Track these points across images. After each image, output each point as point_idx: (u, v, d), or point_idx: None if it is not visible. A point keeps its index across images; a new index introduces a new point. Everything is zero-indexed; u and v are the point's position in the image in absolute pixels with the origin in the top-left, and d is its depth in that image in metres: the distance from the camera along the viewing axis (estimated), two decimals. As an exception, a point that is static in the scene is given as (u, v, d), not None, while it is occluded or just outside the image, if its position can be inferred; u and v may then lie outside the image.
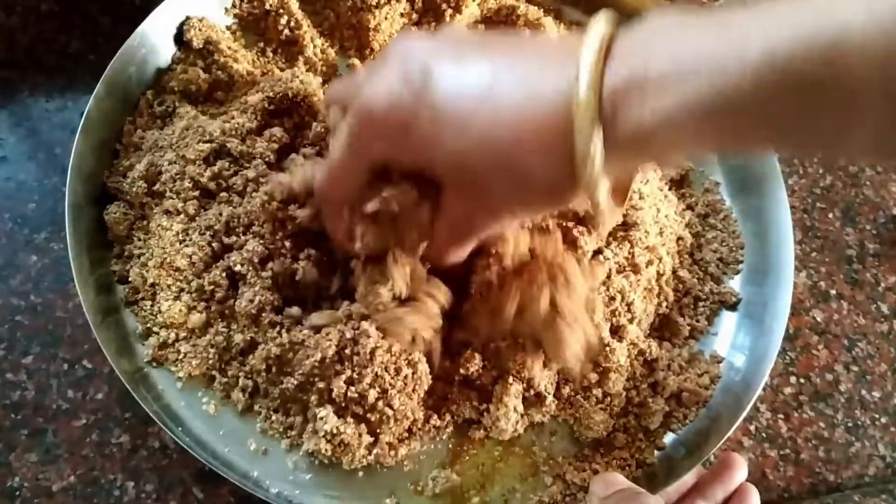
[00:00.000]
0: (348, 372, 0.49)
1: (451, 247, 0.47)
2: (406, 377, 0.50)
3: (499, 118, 0.38)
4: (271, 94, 0.59)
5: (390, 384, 0.49)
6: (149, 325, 0.55)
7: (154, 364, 0.54)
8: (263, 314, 0.53)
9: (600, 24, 0.37)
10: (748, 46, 0.31)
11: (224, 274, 0.54)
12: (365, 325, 0.49)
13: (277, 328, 0.53)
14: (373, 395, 0.49)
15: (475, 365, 0.53)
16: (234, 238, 0.54)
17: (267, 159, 0.57)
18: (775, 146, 0.40)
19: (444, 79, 0.40)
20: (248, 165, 0.56)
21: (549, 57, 0.38)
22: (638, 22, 0.37)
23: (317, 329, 0.51)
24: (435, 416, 0.53)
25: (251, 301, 0.53)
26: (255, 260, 0.53)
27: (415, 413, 0.52)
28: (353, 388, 0.49)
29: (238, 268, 0.53)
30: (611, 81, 0.35)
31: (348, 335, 0.49)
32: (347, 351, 0.49)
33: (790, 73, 0.30)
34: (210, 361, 0.53)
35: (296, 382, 0.50)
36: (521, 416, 0.54)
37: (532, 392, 0.53)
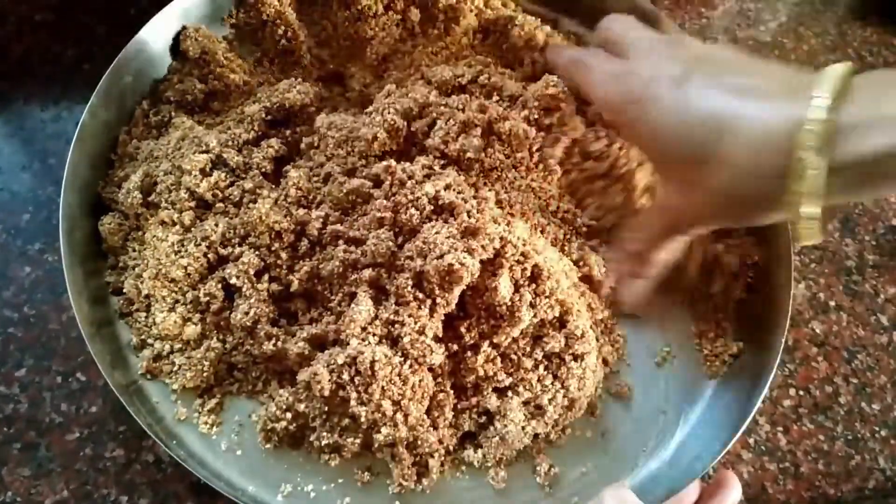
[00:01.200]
0: (354, 394, 0.48)
1: (662, 236, 0.53)
2: (414, 385, 0.50)
3: (735, 125, 0.44)
4: (268, 105, 0.59)
5: (399, 394, 0.49)
6: (143, 336, 0.54)
7: (148, 376, 0.54)
8: (259, 326, 0.52)
9: (840, 65, 0.42)
10: None
11: (219, 285, 0.54)
12: (355, 343, 0.49)
13: (273, 340, 0.52)
14: (388, 406, 0.49)
15: (480, 368, 0.52)
16: (230, 249, 0.54)
17: (263, 170, 0.57)
18: None
19: (696, 83, 0.46)
20: (244, 176, 0.56)
21: (785, 88, 0.44)
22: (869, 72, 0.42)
23: (313, 343, 0.51)
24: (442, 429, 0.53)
25: (246, 314, 0.52)
26: (251, 272, 0.53)
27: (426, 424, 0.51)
28: (365, 408, 0.49)
29: (234, 280, 0.53)
30: (845, 114, 0.40)
31: (340, 361, 0.48)
32: (346, 376, 0.48)
33: None
34: (205, 374, 0.53)
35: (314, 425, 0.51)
36: (524, 428, 0.53)
37: (533, 405, 0.53)
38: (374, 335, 0.50)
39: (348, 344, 0.49)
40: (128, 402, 0.50)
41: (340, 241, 0.53)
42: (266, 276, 0.54)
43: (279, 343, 0.52)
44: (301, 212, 0.54)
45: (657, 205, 0.57)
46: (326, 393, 0.49)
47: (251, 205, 0.54)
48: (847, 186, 0.42)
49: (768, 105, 0.43)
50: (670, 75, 0.47)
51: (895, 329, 0.69)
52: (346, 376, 0.48)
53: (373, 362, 0.48)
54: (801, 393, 0.65)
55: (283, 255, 0.54)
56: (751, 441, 0.63)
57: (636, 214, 0.59)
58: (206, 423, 0.53)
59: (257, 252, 0.53)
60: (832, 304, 0.70)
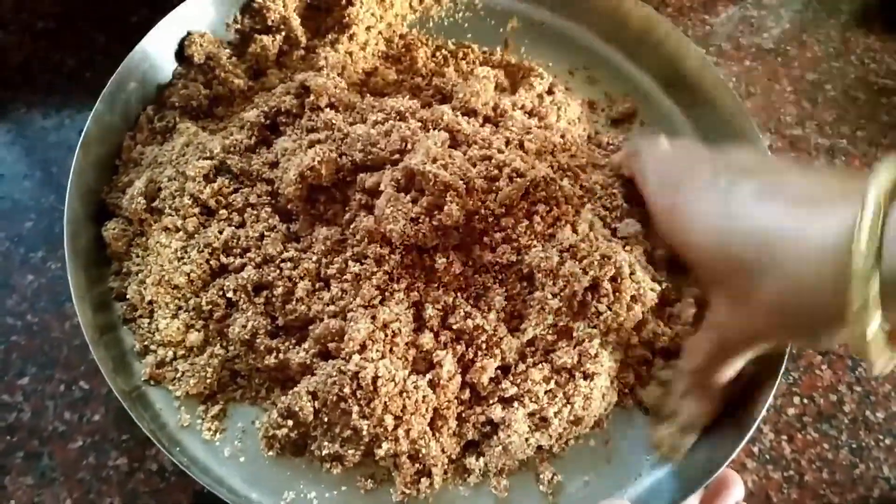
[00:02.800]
0: (356, 407, 0.48)
1: (719, 357, 0.50)
2: (417, 401, 0.49)
3: (785, 235, 0.42)
4: (266, 110, 0.59)
5: (401, 409, 0.49)
6: (146, 342, 0.54)
7: (152, 382, 0.53)
8: (258, 340, 0.52)
9: (886, 170, 0.39)
10: None
11: (221, 293, 0.53)
12: (357, 359, 0.49)
13: (274, 353, 0.52)
14: (389, 421, 0.49)
15: (487, 374, 0.52)
16: (231, 259, 0.54)
17: (264, 175, 0.57)
18: None
19: (744, 193, 0.45)
20: (247, 182, 0.56)
21: (834, 195, 0.41)
22: None
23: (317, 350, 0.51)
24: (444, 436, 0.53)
25: (244, 326, 0.52)
26: (249, 287, 0.53)
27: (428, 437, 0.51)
28: (367, 422, 0.49)
29: (230, 294, 0.53)
30: (893, 229, 0.37)
31: (350, 369, 0.49)
32: (347, 390, 0.48)
33: None
34: (208, 380, 0.53)
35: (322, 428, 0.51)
36: (527, 440, 0.53)
37: (538, 417, 0.53)
38: (377, 350, 0.50)
39: (350, 357, 0.49)
40: (130, 408, 0.49)
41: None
42: (264, 292, 0.54)
43: (280, 355, 0.52)
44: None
45: (707, 324, 0.52)
46: (310, 419, 0.50)
47: (255, 223, 0.54)
48: None
49: (818, 213, 0.41)
50: (713, 181, 0.47)
51: (899, 337, 0.69)
52: (347, 390, 0.48)
53: (375, 378, 0.48)
54: (806, 401, 0.65)
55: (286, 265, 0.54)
56: (755, 450, 0.62)
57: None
58: (209, 429, 0.52)
59: (256, 268, 0.53)
60: (836, 311, 0.69)
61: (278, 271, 0.53)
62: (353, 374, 0.48)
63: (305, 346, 0.52)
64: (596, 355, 0.53)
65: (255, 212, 0.56)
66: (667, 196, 0.50)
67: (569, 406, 0.53)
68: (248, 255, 0.54)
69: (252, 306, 0.53)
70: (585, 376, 0.53)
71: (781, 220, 0.42)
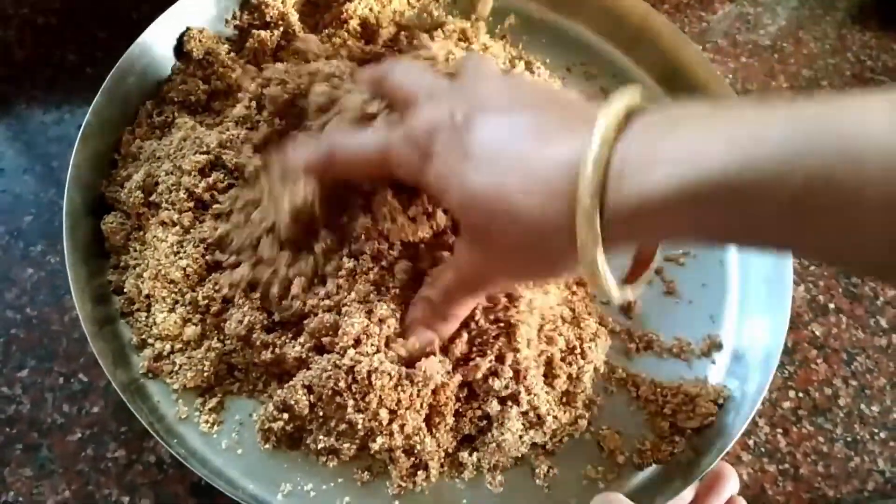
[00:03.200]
0: (351, 401, 0.49)
1: (456, 293, 0.49)
2: (412, 395, 0.50)
3: (516, 175, 0.39)
4: (247, 104, 0.59)
5: (396, 404, 0.49)
6: (144, 336, 0.54)
7: (150, 375, 0.54)
8: (254, 335, 0.52)
9: (625, 95, 0.38)
10: (768, 134, 0.31)
11: (217, 288, 0.54)
12: (352, 353, 0.49)
13: (270, 348, 0.52)
14: (384, 415, 0.49)
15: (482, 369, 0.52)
16: (226, 256, 0.54)
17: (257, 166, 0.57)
18: (772, 248, 0.39)
19: (480, 126, 0.42)
20: (242, 178, 0.56)
21: (576, 120, 0.39)
22: (666, 105, 0.38)
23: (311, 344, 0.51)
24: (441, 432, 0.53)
25: (240, 322, 0.52)
26: (243, 286, 0.53)
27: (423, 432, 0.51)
28: (362, 416, 0.49)
29: (224, 291, 0.53)
30: (620, 154, 0.35)
31: (345, 364, 0.49)
32: (342, 384, 0.49)
33: (805, 161, 0.30)
34: (205, 374, 0.53)
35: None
36: (521, 437, 0.53)
37: (533, 414, 0.53)
38: (372, 344, 0.50)
39: (345, 351, 0.49)
40: (129, 400, 0.50)
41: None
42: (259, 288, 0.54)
43: (276, 350, 0.52)
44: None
45: (453, 259, 0.50)
46: (306, 412, 0.50)
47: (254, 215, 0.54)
48: (632, 233, 0.38)
49: (548, 145, 0.39)
50: (451, 122, 0.43)
51: (894, 331, 0.69)
52: (342, 384, 0.48)
53: (370, 372, 0.48)
54: (801, 395, 0.65)
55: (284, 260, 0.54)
56: (750, 443, 0.63)
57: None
58: (206, 421, 0.53)
59: (251, 266, 0.54)
60: (831, 306, 0.70)
61: (273, 271, 0.53)
62: (348, 369, 0.49)
63: (301, 339, 0.52)
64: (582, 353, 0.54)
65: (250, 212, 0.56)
66: (423, 171, 0.45)
67: (564, 407, 0.54)
68: (243, 255, 0.54)
69: (248, 301, 0.53)
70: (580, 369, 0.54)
71: (516, 154, 0.40)
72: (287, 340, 0.52)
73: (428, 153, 0.44)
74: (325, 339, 0.51)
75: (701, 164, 0.33)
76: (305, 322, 0.52)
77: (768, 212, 0.32)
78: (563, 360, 0.55)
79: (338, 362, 0.49)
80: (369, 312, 0.51)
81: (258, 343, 0.52)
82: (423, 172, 0.44)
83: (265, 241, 0.53)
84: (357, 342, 0.50)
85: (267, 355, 0.52)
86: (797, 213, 0.31)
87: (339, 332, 0.50)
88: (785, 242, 0.35)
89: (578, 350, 0.55)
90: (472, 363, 0.52)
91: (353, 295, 0.51)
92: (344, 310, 0.51)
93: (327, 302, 0.51)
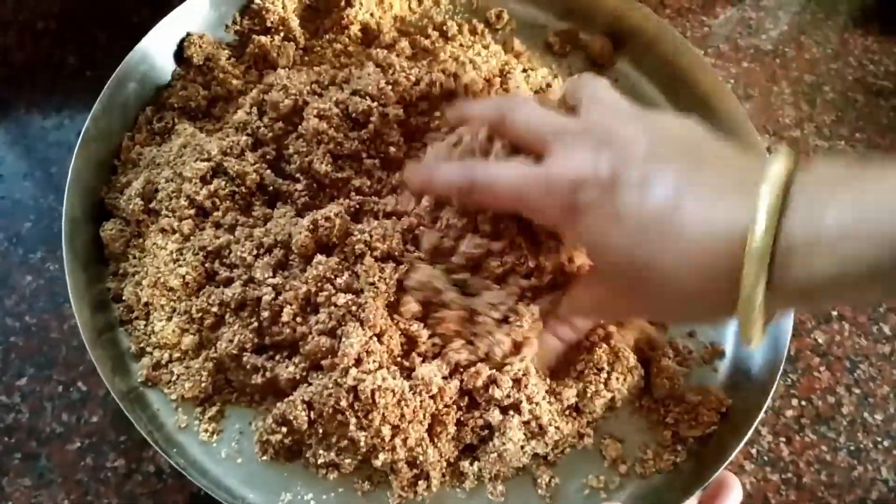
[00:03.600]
0: (354, 419, 0.48)
1: (589, 316, 0.52)
2: (415, 408, 0.49)
3: (671, 240, 0.39)
4: (248, 110, 0.59)
5: (399, 419, 0.49)
6: (142, 344, 0.54)
7: (149, 384, 0.53)
8: (244, 357, 0.52)
9: (780, 160, 0.37)
10: None
11: (211, 302, 0.53)
12: (354, 372, 0.48)
13: (261, 372, 0.52)
14: (387, 432, 0.49)
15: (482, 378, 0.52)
16: (221, 268, 0.54)
17: (261, 174, 0.56)
18: None
19: (629, 186, 0.41)
20: (243, 187, 0.56)
21: (730, 183, 0.39)
22: (812, 166, 0.37)
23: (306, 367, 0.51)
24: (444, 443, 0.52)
25: (230, 342, 0.52)
26: (233, 306, 0.53)
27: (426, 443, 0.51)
28: (365, 433, 0.48)
29: (215, 309, 0.53)
30: (787, 230, 0.35)
31: (348, 383, 0.48)
32: (344, 403, 0.48)
33: None
34: (203, 384, 0.52)
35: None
36: (523, 447, 0.53)
37: (535, 424, 0.53)
38: (374, 361, 0.49)
39: (347, 371, 0.49)
40: (128, 409, 0.49)
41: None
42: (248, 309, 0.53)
43: (267, 374, 0.52)
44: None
45: (592, 291, 0.50)
46: (304, 427, 0.49)
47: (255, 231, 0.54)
48: (790, 303, 0.40)
49: (705, 215, 0.38)
50: (596, 177, 0.42)
51: (897, 339, 0.69)
52: (344, 403, 0.48)
53: (374, 391, 0.48)
54: (804, 403, 0.65)
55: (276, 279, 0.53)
56: (753, 452, 0.62)
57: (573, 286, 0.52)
58: (206, 430, 0.52)
59: (243, 285, 0.53)
60: (834, 313, 0.69)
61: (265, 293, 0.52)
62: (349, 388, 0.48)
63: (295, 360, 0.51)
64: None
65: (248, 223, 0.55)
66: (565, 221, 0.45)
67: (567, 418, 0.54)
68: (236, 271, 0.54)
69: (239, 320, 0.52)
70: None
71: (675, 212, 0.39)
72: (281, 360, 0.52)
73: (571, 206, 0.43)
74: (325, 362, 0.50)
75: (863, 251, 0.33)
76: (300, 343, 0.51)
77: None
78: (577, 377, 0.55)
79: (339, 380, 0.48)
80: (368, 327, 0.50)
81: (248, 366, 0.52)
82: (566, 224, 0.44)
83: (260, 263, 0.53)
84: (358, 361, 0.49)
85: (257, 379, 0.52)
86: None
87: (339, 353, 0.49)
88: None
89: (605, 375, 0.55)
90: (472, 369, 0.51)
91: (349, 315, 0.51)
92: (340, 330, 0.50)
93: (320, 327, 0.51)
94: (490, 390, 0.51)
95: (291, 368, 0.51)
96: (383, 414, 0.48)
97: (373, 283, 0.50)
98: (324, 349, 0.50)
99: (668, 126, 0.44)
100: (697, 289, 0.40)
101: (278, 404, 0.51)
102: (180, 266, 0.54)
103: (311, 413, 0.50)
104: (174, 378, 0.53)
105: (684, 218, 0.39)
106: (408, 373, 0.51)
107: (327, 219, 0.53)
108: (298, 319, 0.51)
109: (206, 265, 0.54)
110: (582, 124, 0.46)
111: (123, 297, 0.55)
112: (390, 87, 0.57)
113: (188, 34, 0.63)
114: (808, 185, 0.36)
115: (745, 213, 0.36)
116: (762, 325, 0.39)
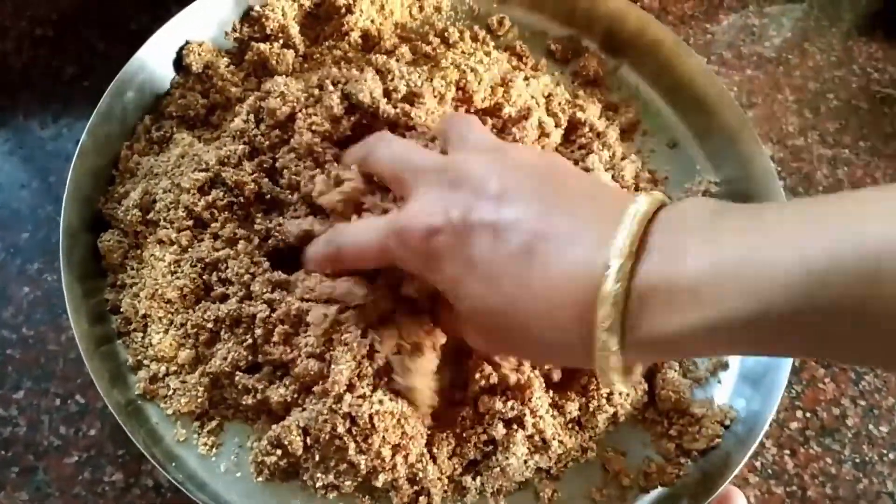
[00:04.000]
0: (353, 444, 0.48)
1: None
2: (415, 425, 0.49)
3: (525, 287, 0.38)
4: (245, 118, 0.58)
5: (399, 438, 0.49)
6: (139, 357, 0.54)
7: (147, 396, 0.53)
8: (237, 376, 0.51)
9: (644, 198, 0.36)
10: (783, 261, 0.30)
11: (207, 315, 0.53)
12: (349, 398, 0.48)
13: (252, 393, 0.51)
14: (387, 452, 0.48)
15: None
16: (217, 282, 0.53)
17: (259, 182, 0.56)
18: (814, 357, 0.38)
19: (481, 230, 0.40)
20: (241, 194, 0.55)
21: (587, 222, 0.38)
22: (679, 204, 0.37)
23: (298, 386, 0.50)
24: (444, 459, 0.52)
25: (224, 359, 0.51)
26: (227, 322, 0.52)
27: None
28: (365, 457, 0.48)
29: (210, 325, 0.52)
30: (642, 279, 0.34)
31: (343, 410, 0.48)
32: (341, 429, 0.48)
33: (826, 293, 0.29)
34: (199, 399, 0.52)
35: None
36: (526, 462, 0.52)
37: (539, 438, 0.52)
38: (368, 384, 0.48)
39: (341, 398, 0.48)
40: (125, 422, 0.49)
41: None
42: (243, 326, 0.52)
43: (258, 395, 0.51)
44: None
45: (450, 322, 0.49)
46: (300, 452, 0.49)
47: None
48: (653, 353, 0.38)
49: (565, 249, 0.37)
50: (449, 225, 0.41)
51: (903, 350, 0.68)
52: (341, 429, 0.47)
53: (371, 416, 0.47)
54: (808, 415, 0.64)
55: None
56: (757, 464, 0.62)
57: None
58: (205, 444, 0.52)
59: (238, 301, 0.52)
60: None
61: (260, 310, 0.52)
62: (345, 414, 0.48)
63: (286, 382, 0.51)
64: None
65: (244, 239, 0.55)
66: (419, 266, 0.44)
67: (570, 432, 0.53)
68: (231, 288, 0.53)
69: (233, 337, 0.52)
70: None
71: (513, 271, 0.38)
72: (274, 380, 0.51)
73: (428, 255, 0.42)
74: (316, 388, 0.49)
75: (718, 304, 0.32)
76: (290, 365, 0.51)
77: (837, 333, 0.31)
78: (580, 391, 0.54)
79: (334, 407, 0.48)
80: (355, 349, 0.49)
81: (240, 387, 0.51)
82: (427, 271, 0.43)
83: (260, 278, 0.52)
84: (351, 386, 0.48)
85: (249, 400, 0.51)
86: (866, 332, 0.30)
87: (330, 380, 0.48)
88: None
89: (607, 390, 0.54)
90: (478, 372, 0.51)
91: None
92: (329, 355, 0.49)
93: (308, 350, 0.50)
94: (493, 402, 0.51)
95: (282, 391, 0.50)
96: (383, 437, 0.48)
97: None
98: (312, 373, 0.49)
99: (525, 159, 0.43)
100: (554, 338, 0.38)
101: (273, 427, 0.50)
102: (178, 278, 0.53)
103: (307, 438, 0.49)
104: (170, 392, 0.52)
105: (535, 264, 0.38)
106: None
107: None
108: (291, 340, 0.51)
109: (204, 277, 0.53)
110: (441, 163, 0.45)
111: (121, 309, 0.55)
112: (385, 100, 0.56)
113: (187, 42, 0.62)
114: (666, 230, 0.35)
115: (599, 255, 0.35)
116: (624, 372, 0.37)
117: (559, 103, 0.65)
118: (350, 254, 0.48)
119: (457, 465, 0.52)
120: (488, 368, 0.51)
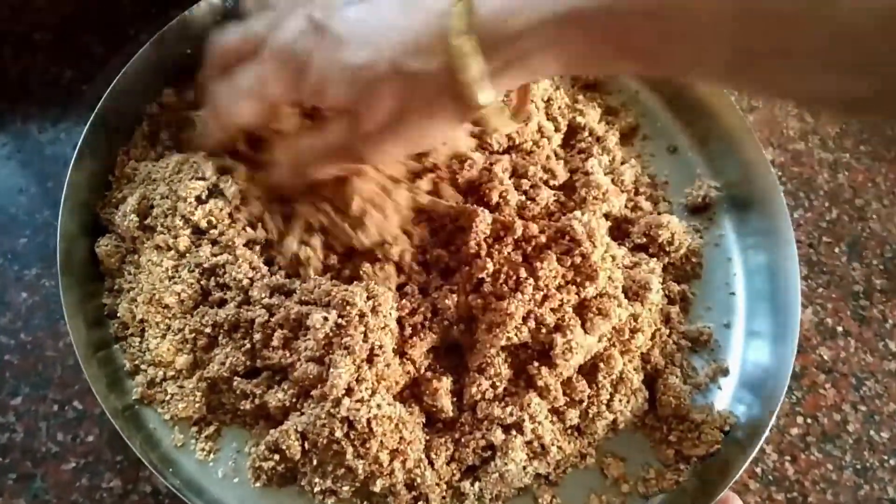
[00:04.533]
0: (350, 448, 0.48)
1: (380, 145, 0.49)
2: (413, 429, 0.49)
3: (390, 37, 0.42)
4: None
5: (397, 442, 0.49)
6: (137, 362, 0.53)
7: (145, 401, 0.53)
8: (235, 382, 0.51)
9: None
10: None
11: (205, 322, 0.52)
12: (347, 403, 0.48)
13: (250, 398, 0.51)
14: (385, 457, 0.48)
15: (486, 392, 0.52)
16: (215, 287, 0.53)
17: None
18: (632, 69, 0.48)
19: (343, 12, 0.44)
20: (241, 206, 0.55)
21: None
22: None
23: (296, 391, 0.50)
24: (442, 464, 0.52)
25: (223, 364, 0.51)
26: (226, 327, 0.52)
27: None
28: (363, 461, 0.48)
29: (208, 329, 0.52)
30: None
31: (341, 414, 0.47)
32: (339, 433, 0.47)
33: None
34: (197, 404, 0.52)
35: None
36: (525, 468, 0.52)
37: (538, 443, 0.52)
38: (367, 388, 0.48)
39: (339, 402, 0.48)
40: (122, 427, 0.49)
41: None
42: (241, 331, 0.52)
43: (256, 399, 0.51)
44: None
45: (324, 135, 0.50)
46: (298, 457, 0.49)
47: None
48: (510, 66, 0.41)
49: (413, 10, 0.42)
50: (312, 25, 0.44)
51: (904, 355, 0.68)
52: (339, 433, 0.47)
53: (370, 420, 0.47)
54: (809, 421, 0.64)
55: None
56: (758, 470, 0.62)
57: None
58: (203, 449, 0.52)
59: (236, 307, 0.52)
60: (840, 329, 0.69)
61: (258, 315, 0.52)
62: (343, 418, 0.48)
63: (284, 386, 0.51)
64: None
65: (243, 248, 0.55)
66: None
67: (569, 437, 0.53)
68: (230, 293, 0.53)
69: (232, 342, 0.52)
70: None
71: (381, 26, 0.43)
72: (273, 384, 0.51)
73: (300, 63, 0.45)
74: (315, 392, 0.49)
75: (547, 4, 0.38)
76: (289, 369, 0.51)
77: (641, 33, 0.37)
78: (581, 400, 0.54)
79: (332, 411, 0.48)
80: (355, 355, 0.49)
81: (238, 392, 0.51)
82: (304, 82, 0.45)
83: (259, 283, 0.52)
84: (349, 390, 0.48)
85: (247, 405, 0.51)
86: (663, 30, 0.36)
87: (329, 384, 0.48)
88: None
89: (607, 397, 0.54)
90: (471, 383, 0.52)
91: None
92: (328, 359, 0.49)
93: (308, 353, 0.50)
94: (492, 408, 0.51)
95: (280, 395, 0.50)
96: (381, 441, 0.47)
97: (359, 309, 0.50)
98: (311, 377, 0.49)
99: None
100: (419, 68, 0.41)
101: (271, 432, 0.50)
102: (175, 283, 0.53)
103: (305, 443, 0.49)
104: (168, 397, 0.52)
105: (397, 19, 0.42)
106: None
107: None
108: (290, 345, 0.51)
109: (202, 282, 0.53)
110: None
111: (118, 314, 0.54)
112: None
113: (186, 48, 0.62)
114: None
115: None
116: (491, 85, 0.41)
117: (559, 107, 0.65)
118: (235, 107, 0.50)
119: (455, 471, 0.52)
120: (485, 383, 0.52)
